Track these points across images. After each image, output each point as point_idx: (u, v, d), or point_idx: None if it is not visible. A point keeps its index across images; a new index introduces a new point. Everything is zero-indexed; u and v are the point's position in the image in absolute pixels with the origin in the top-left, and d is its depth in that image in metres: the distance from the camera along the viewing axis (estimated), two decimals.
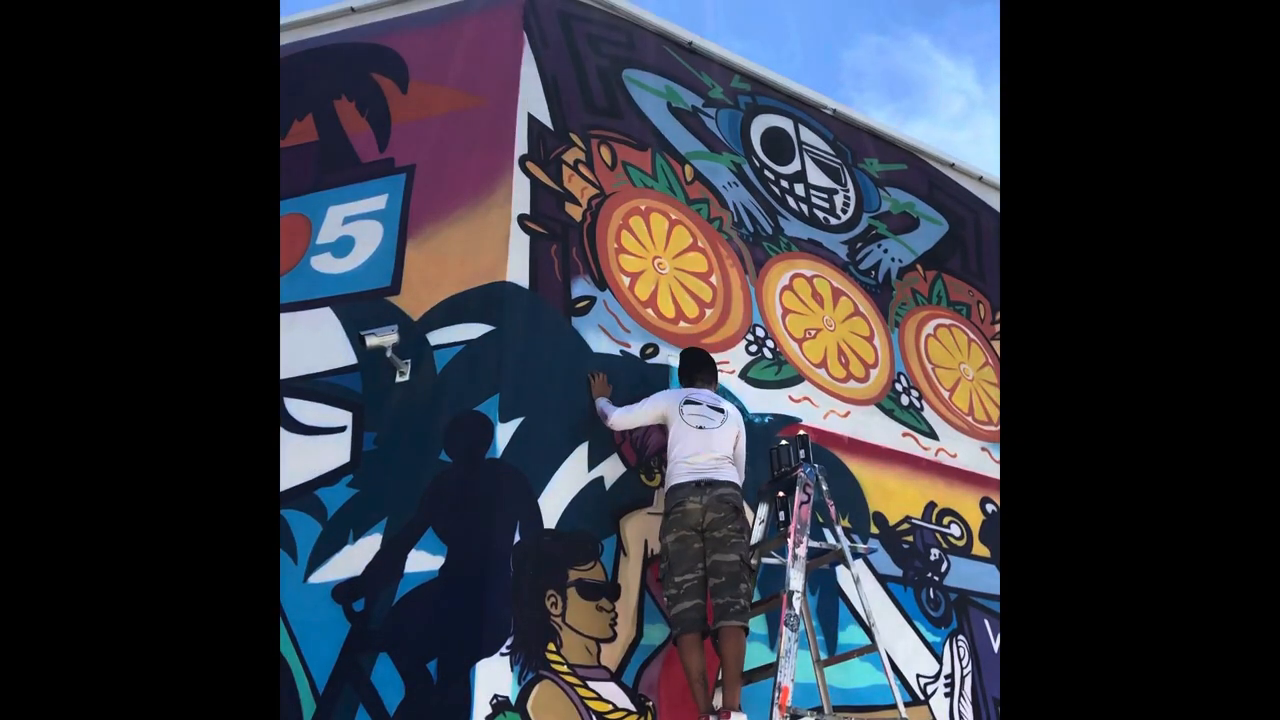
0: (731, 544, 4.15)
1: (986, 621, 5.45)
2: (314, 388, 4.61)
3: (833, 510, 4.41)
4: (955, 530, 5.60)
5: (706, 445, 4.32)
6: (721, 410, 4.48)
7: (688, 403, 4.45)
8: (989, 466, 5.96)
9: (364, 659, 3.94)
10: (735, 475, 4.36)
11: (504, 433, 4.32)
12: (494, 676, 3.83)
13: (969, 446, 5.97)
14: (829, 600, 4.89)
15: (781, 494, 4.45)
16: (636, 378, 4.76)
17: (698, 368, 4.72)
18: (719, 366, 5.02)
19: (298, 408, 4.57)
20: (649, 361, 4.91)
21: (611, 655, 4.16)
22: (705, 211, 5.60)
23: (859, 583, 4.36)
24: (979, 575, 5.54)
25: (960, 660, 5.22)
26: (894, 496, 5.44)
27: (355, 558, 4.17)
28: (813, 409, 5.38)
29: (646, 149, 5.57)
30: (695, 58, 6.22)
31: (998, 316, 6.67)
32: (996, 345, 6.54)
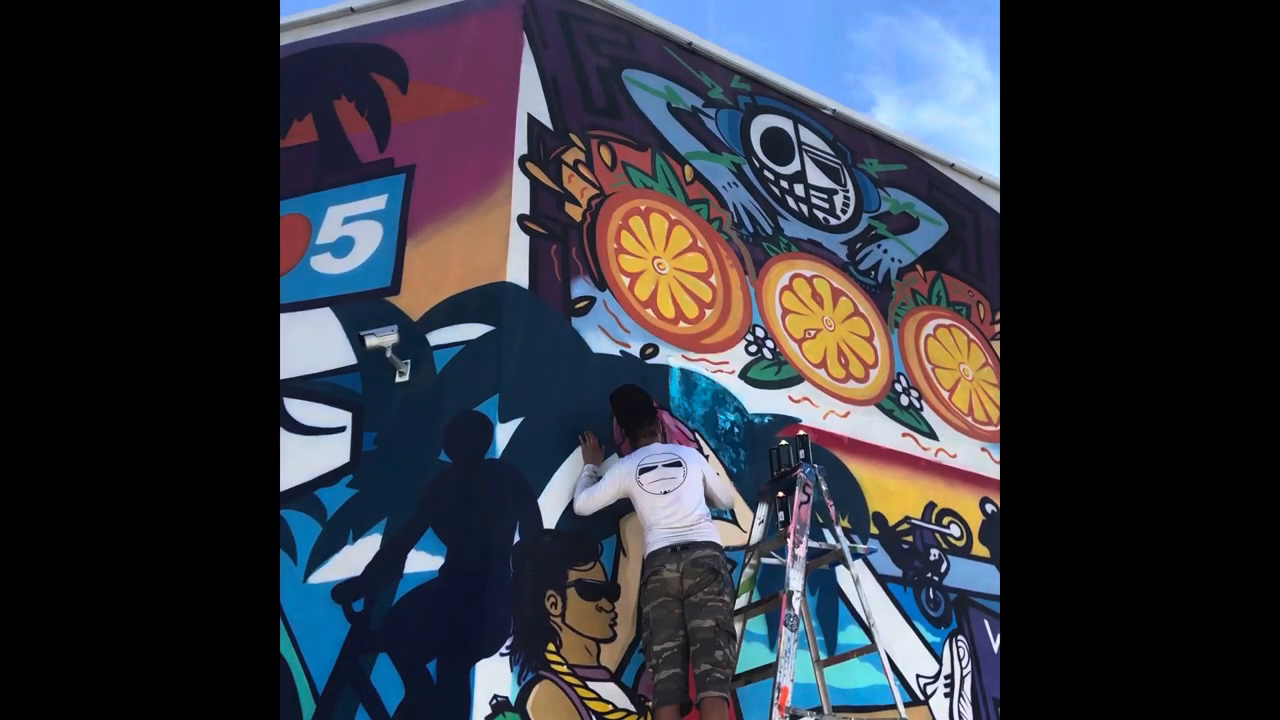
0: (708, 608, 3.99)
1: (986, 621, 5.44)
2: (314, 388, 4.61)
3: (832, 510, 4.41)
4: (955, 530, 5.60)
5: (677, 507, 4.16)
6: (678, 463, 4.28)
7: (642, 471, 4.24)
8: (989, 466, 5.95)
9: (364, 659, 3.94)
10: (713, 533, 4.19)
11: (504, 433, 4.32)
12: (494, 676, 3.83)
13: (969, 447, 5.96)
14: (829, 600, 4.89)
15: (781, 494, 4.44)
16: (636, 378, 4.76)
17: (636, 418, 4.48)
18: (719, 367, 5.01)
19: (298, 408, 4.57)
20: (649, 361, 4.91)
21: (611, 655, 4.16)
22: (705, 212, 5.60)
23: (859, 583, 4.36)
24: (979, 575, 5.54)
25: (960, 660, 5.22)
26: (894, 497, 5.44)
27: (355, 558, 4.17)
28: (812, 409, 5.37)
29: (646, 149, 5.57)
30: (695, 58, 6.23)
31: (998, 316, 6.67)
32: (996, 345, 6.54)
